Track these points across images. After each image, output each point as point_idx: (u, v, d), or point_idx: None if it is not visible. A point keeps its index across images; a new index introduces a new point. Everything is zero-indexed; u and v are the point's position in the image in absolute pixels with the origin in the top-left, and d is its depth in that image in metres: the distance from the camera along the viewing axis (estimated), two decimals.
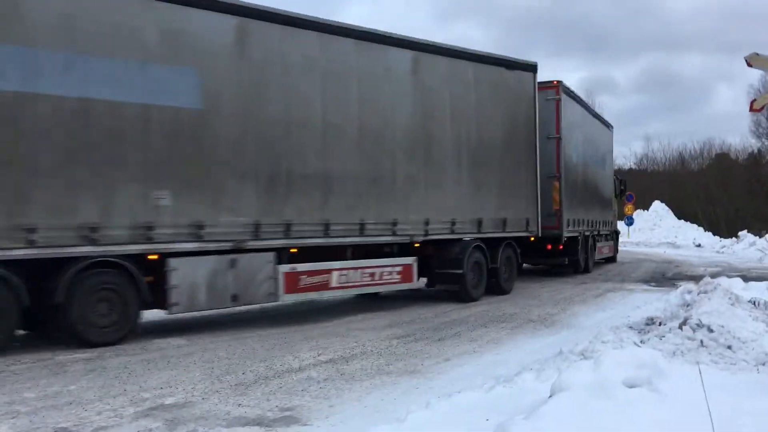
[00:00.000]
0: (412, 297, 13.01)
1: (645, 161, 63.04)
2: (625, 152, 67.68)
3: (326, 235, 9.92)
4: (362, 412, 5.40)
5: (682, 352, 6.30)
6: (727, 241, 34.71)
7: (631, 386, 4.39)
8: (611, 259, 22.82)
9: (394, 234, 10.85)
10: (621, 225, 40.31)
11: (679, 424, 3.92)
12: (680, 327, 6.72)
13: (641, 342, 6.77)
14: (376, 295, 12.92)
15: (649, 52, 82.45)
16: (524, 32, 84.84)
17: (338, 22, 10.25)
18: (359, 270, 10.47)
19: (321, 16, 9.82)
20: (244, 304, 9.36)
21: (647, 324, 8.07)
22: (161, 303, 8.51)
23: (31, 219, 7.42)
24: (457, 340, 8.57)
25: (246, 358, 7.50)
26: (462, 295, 12.05)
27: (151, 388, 6.21)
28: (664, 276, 18.00)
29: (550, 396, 4.33)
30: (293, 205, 9.47)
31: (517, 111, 13.23)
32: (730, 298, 8.39)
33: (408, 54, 11.06)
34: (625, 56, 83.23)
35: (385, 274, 10.84)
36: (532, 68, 13.51)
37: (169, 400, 5.78)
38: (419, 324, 9.84)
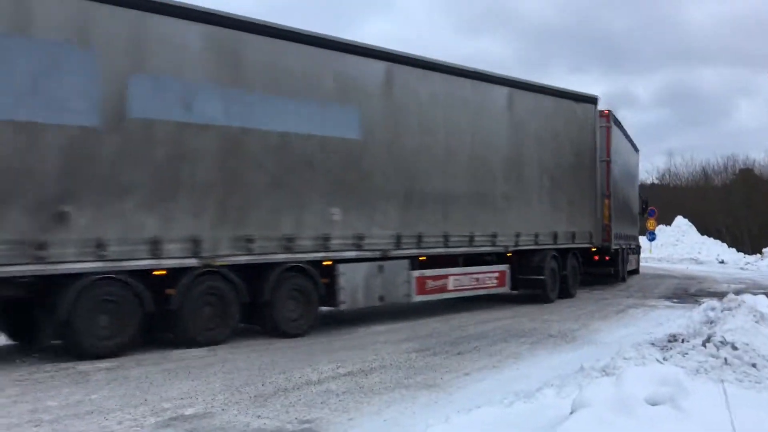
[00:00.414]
0: (427, 310, 12.99)
1: (668, 176, 62.39)
2: (648, 167, 67.27)
3: (446, 245, 12.06)
4: (381, 426, 5.39)
5: (705, 369, 6.21)
6: (752, 258, 34.23)
7: (653, 404, 4.34)
8: (634, 272, 24.17)
9: (493, 245, 13.01)
10: (643, 240, 40.00)
11: None
12: (704, 344, 6.63)
13: (664, 359, 6.69)
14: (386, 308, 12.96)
15: (670, 66, 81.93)
16: (545, 47, 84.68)
17: (457, 65, 12.39)
18: (468, 275, 12.73)
19: (442, 59, 12.03)
20: (388, 302, 11.28)
21: (670, 341, 7.98)
22: (331, 302, 10.35)
23: (250, 231, 9.26)
24: (477, 355, 8.53)
25: (265, 370, 7.52)
26: (542, 298, 14.27)
27: (172, 398, 6.25)
28: (687, 292, 17.79)
29: (572, 412, 4.30)
30: (423, 220, 11.60)
31: (582, 138, 15.44)
32: (754, 316, 8.27)
33: (504, 90, 13.24)
34: (645, 70, 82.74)
35: (486, 279, 13.15)
36: (593, 101, 15.76)
37: (189, 411, 5.81)
38: (437, 338, 9.82)
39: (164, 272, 8.47)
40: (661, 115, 77.57)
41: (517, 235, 13.47)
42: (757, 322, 7.98)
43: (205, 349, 8.77)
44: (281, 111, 9.56)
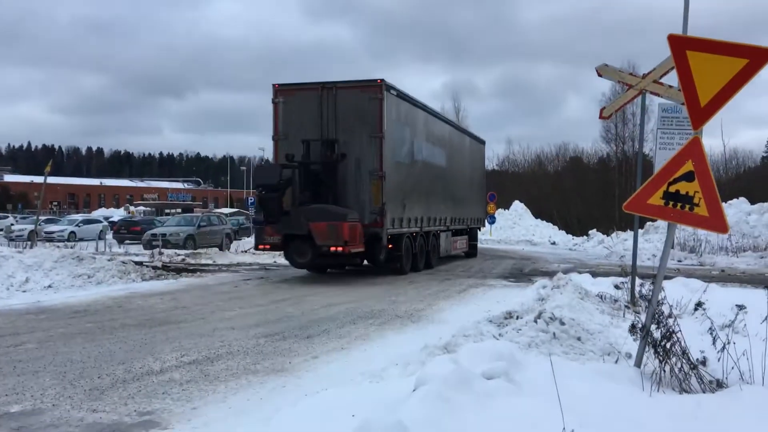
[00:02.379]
0: (279, 293, 12.93)
1: (507, 163, 66.18)
2: (489, 154, 70.84)
3: (455, 223, 23.37)
4: (227, 414, 5.27)
5: (536, 344, 6.64)
6: (579, 239, 37.06)
7: (489, 377, 4.56)
8: (471, 254, 25.99)
9: (464, 224, 24.56)
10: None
11: (534, 411, 4.12)
12: (535, 320, 7.08)
13: (500, 335, 7.07)
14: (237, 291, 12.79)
15: (508, 60, 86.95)
16: (392, 36, 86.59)
17: (456, 123, 26.36)
18: (458, 241, 24.09)
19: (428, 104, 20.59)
20: (446, 255, 22.69)
21: (506, 318, 8.43)
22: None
23: (435, 214, 21.01)
24: (326, 338, 8.57)
25: (102, 362, 7.10)
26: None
27: None
28: (522, 272, 18.96)
29: (414, 390, 4.42)
30: (451, 209, 22.75)
31: (478, 160, 27.82)
32: (580, 293, 8.96)
33: (465, 136, 25.44)
34: (486, 63, 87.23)
35: (461, 244, 24.34)
36: (483, 142, 28.51)
37: (15, 408, 5.37)
38: (287, 322, 9.76)
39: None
40: (501, 106, 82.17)
41: (468, 219, 24.98)
42: (582, 298, 8.65)
43: (35, 342, 8.14)
44: (437, 154, 20.81)
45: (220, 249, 26.55)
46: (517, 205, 44.04)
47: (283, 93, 17.49)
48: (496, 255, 27.27)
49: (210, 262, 21.43)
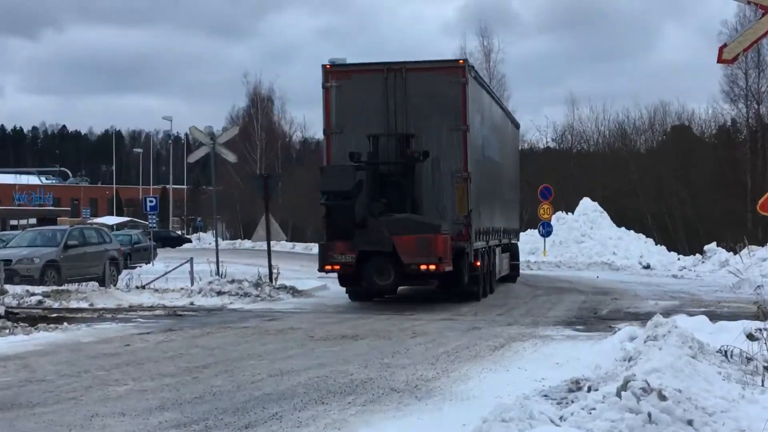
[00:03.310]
0: (199, 348, 12.89)
1: (569, 137, 66.35)
2: (540, 122, 71.08)
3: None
4: None
5: None
6: (688, 260, 37.26)
7: None
8: (510, 278, 28.16)
9: (506, 236, 28.00)
10: (534, 235, 42.14)
11: None
12: (618, 394, 7.07)
13: (561, 419, 7.06)
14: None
15: None
16: None
17: (499, 99, 30.29)
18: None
19: None
20: None
21: (571, 390, 8.44)
22: None
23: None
24: (277, 429, 8.54)
25: None
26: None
27: None
28: (596, 315, 19.05)
29: None
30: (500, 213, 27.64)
31: (514, 151, 33.17)
32: (691, 348, 8.97)
33: (507, 119, 30.11)
34: None
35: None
36: (518, 126, 34.86)
37: None
38: (213, 402, 9.72)
39: None
40: (556, 46, 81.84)
41: (509, 230, 29.12)
42: (694, 356, 8.66)
43: None
44: (494, 146, 25.40)
45: (102, 284, 26.45)
46: (587, 205, 44.05)
47: (337, 76, 21.23)
48: (555, 286, 27.39)
49: (85, 305, 21.36)
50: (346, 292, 22.36)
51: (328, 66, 21.53)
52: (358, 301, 22.09)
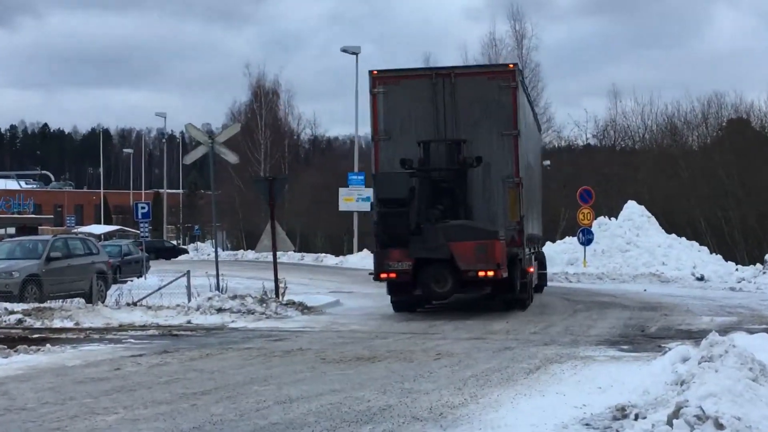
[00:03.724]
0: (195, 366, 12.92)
1: (612, 133, 66.25)
2: (579, 117, 70.90)
3: None
4: None
5: None
6: (748, 270, 36.97)
7: None
8: (539, 288, 29.17)
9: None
10: (573, 243, 42.03)
11: None
12: (669, 422, 7.06)
13: None
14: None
15: None
16: None
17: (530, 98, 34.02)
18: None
19: None
20: None
21: (615, 418, 8.43)
22: None
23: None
24: None
25: None
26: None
27: None
28: (644, 332, 19.00)
29: None
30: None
31: (538, 153, 34.95)
32: (751, 369, 8.93)
33: (534, 120, 32.82)
34: None
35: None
36: (541, 128, 39.16)
37: None
38: None
39: None
40: (592, 30, 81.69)
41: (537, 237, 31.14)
42: (754, 379, 8.63)
43: None
44: (531, 149, 27.72)
45: (89, 300, 26.55)
46: (633, 209, 43.91)
47: (384, 81, 23.63)
48: (596, 300, 27.35)
49: (70, 324, 21.43)
50: (392, 302, 24.06)
51: (374, 72, 23.86)
52: (402, 311, 23.85)
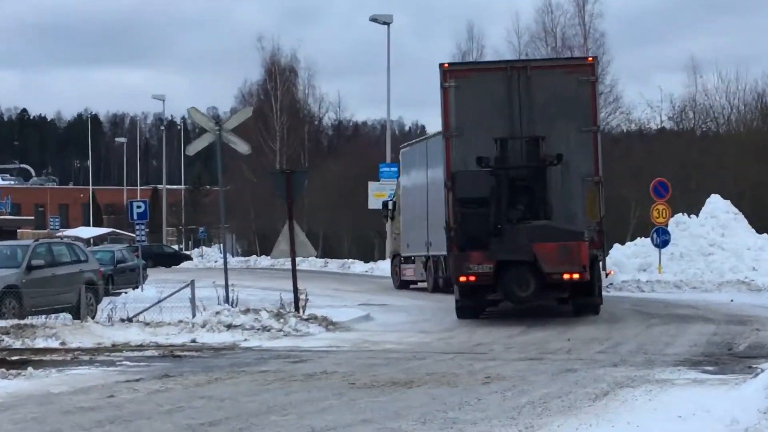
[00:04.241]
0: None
1: (691, 114, 65.82)
2: (651, 96, 70.45)
3: None
4: None
5: None
6: None
7: None
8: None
9: None
10: (646, 244, 41.89)
11: None
12: None
13: None
14: None
15: None
16: None
17: None
18: None
19: None
20: None
21: None
22: None
23: None
24: None
25: None
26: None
27: None
28: (731, 351, 18.87)
29: None
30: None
31: None
32: None
33: None
34: None
35: None
36: None
37: None
38: None
39: None
40: None
41: None
42: None
43: None
44: None
45: (76, 316, 26.69)
46: (717, 205, 43.59)
47: (456, 75, 26.15)
48: (674, 313, 27.33)
49: (55, 343, 21.54)
50: (458, 308, 26.11)
51: (445, 65, 26.61)
52: (466, 318, 25.95)
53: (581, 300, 25.30)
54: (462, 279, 24.18)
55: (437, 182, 33.89)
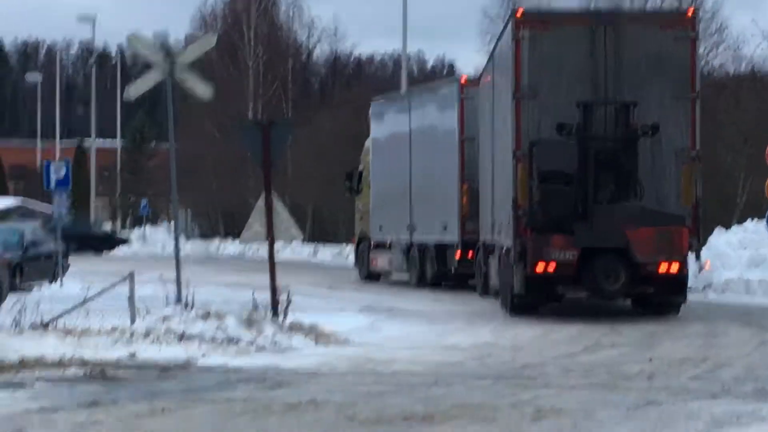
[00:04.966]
0: None
1: None
2: (767, 24, 70.53)
3: None
4: None
5: None
6: None
7: None
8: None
9: None
10: (759, 227, 41.95)
11: None
12: None
13: None
14: None
15: None
16: None
17: None
18: None
19: None
20: None
21: None
22: None
23: None
24: None
25: None
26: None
27: None
28: None
29: None
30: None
31: None
32: None
33: None
34: None
35: None
36: None
37: None
38: None
39: None
40: None
41: None
42: None
43: None
44: None
45: None
46: None
47: (531, 25, 28.13)
48: None
49: None
50: (513, 304, 28.45)
51: (519, 12, 28.05)
52: (522, 315, 28.11)
53: (667, 297, 26.76)
54: (539, 268, 25.70)
55: (428, 148, 36.82)
